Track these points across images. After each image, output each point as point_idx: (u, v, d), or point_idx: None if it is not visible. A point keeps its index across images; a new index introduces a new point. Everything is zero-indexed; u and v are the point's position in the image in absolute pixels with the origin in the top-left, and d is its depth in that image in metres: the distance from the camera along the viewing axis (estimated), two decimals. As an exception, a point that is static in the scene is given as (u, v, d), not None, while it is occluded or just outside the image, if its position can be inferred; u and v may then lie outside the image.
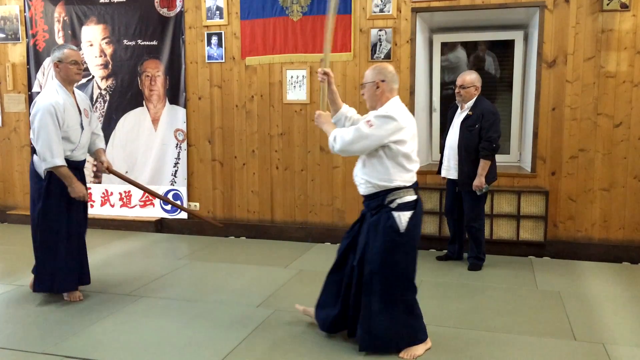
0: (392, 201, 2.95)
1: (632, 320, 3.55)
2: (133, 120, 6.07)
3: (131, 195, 6.17)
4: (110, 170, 4.09)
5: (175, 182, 6.00)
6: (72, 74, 3.73)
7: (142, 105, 6.04)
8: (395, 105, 2.98)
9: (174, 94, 5.91)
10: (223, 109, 5.78)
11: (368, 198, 3.06)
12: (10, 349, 3.13)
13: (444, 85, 5.70)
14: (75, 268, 3.87)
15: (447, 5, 5.02)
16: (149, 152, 6.03)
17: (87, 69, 6.11)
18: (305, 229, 5.65)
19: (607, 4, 4.70)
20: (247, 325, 3.46)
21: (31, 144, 3.79)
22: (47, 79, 6.30)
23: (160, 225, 6.07)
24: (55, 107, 3.60)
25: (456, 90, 4.55)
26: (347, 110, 3.29)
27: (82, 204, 3.91)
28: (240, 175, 5.82)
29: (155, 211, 6.09)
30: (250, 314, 3.64)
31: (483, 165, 4.41)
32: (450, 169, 4.62)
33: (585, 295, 4.02)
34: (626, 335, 3.33)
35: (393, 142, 2.89)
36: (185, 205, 5.97)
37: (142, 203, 6.14)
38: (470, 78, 4.48)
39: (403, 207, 2.94)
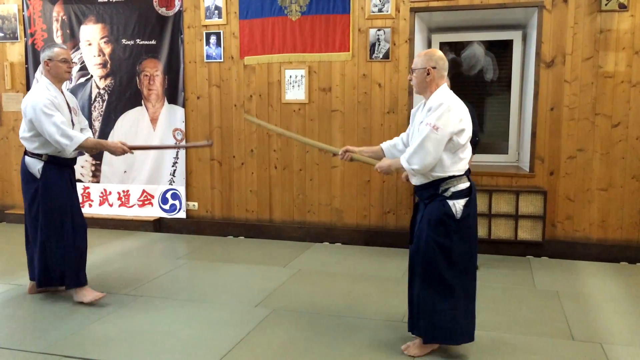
0: (446, 190, 2.91)
1: (630, 320, 3.56)
2: (132, 120, 6.07)
3: (129, 194, 6.17)
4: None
5: (173, 182, 6.00)
6: (62, 72, 3.77)
7: (141, 105, 6.04)
8: (448, 94, 2.93)
9: (172, 94, 5.91)
10: (222, 108, 5.77)
11: (421, 188, 3.02)
12: (8, 349, 3.13)
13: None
14: (84, 261, 3.89)
15: (446, 5, 5.02)
16: (147, 152, 6.02)
17: (85, 69, 6.11)
18: (303, 228, 5.65)
19: (606, 4, 4.70)
20: (246, 324, 3.46)
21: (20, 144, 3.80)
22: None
23: (158, 225, 6.07)
24: (51, 99, 3.65)
25: None
26: (386, 146, 3.30)
27: (76, 196, 3.95)
28: (238, 175, 5.82)
29: (154, 211, 6.09)
30: (249, 314, 3.65)
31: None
32: None
33: (583, 295, 4.03)
34: (624, 335, 3.34)
35: (455, 133, 2.86)
36: (183, 205, 5.97)
37: (141, 202, 6.13)
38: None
39: (457, 195, 2.91)
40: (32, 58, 6.32)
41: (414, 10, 5.12)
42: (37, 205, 3.77)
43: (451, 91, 3.00)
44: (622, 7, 4.69)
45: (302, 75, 5.49)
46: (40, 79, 3.83)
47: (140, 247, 5.41)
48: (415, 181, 3.04)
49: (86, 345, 3.17)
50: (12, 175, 6.61)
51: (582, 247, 4.95)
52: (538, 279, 4.38)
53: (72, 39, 6.14)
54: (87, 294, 3.81)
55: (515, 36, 5.44)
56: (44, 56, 3.76)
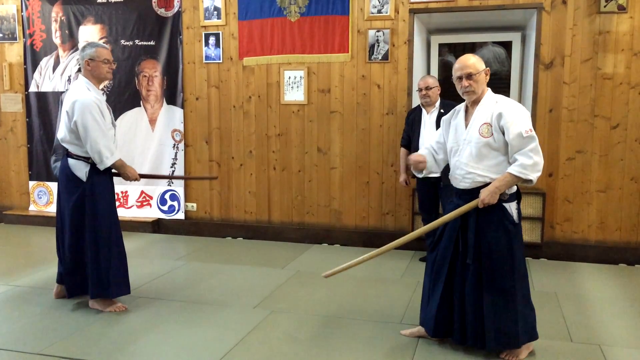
0: (503, 193, 2.90)
1: (629, 322, 3.55)
2: (130, 121, 6.06)
3: (128, 195, 6.16)
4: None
5: (172, 183, 5.99)
6: (104, 72, 3.66)
7: (140, 106, 6.03)
8: (502, 97, 3.00)
9: (171, 94, 5.91)
10: (220, 109, 5.77)
11: (472, 192, 2.96)
12: (6, 350, 3.12)
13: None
14: (126, 270, 3.78)
15: (445, 6, 5.02)
16: (146, 153, 6.02)
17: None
18: (302, 229, 5.64)
19: (605, 6, 4.71)
20: (244, 326, 3.45)
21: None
22: (44, 79, 6.29)
23: (157, 226, 6.06)
24: (98, 104, 3.55)
25: (422, 93, 4.58)
26: (430, 156, 3.24)
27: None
28: (237, 176, 5.81)
29: (153, 212, 6.08)
30: (247, 315, 3.64)
31: None
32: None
33: (582, 296, 4.02)
34: (623, 336, 3.33)
35: None
36: (182, 206, 5.97)
37: (139, 203, 6.13)
38: (432, 80, 4.62)
39: (511, 197, 2.94)
40: (31, 59, 6.31)
41: (413, 12, 5.13)
42: (84, 210, 3.60)
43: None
44: (621, 8, 4.69)
45: (301, 77, 5.48)
46: (80, 79, 3.67)
47: (138, 248, 5.40)
48: (468, 184, 2.98)
49: (84, 347, 3.16)
50: (10, 176, 6.60)
51: (580, 248, 4.95)
52: (537, 281, 4.37)
53: (71, 40, 6.13)
54: (108, 303, 3.70)
55: (514, 38, 5.43)
56: (84, 55, 3.62)
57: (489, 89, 3.04)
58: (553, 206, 4.99)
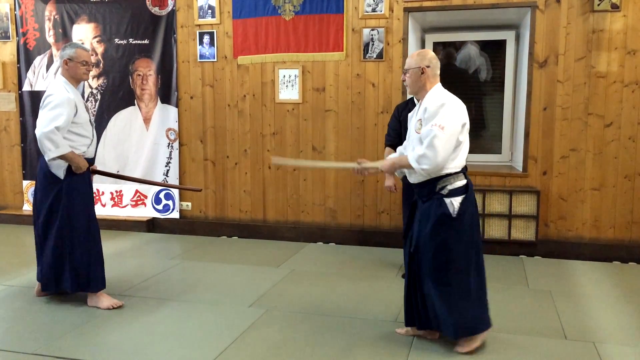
0: (443, 188, 2.96)
1: (623, 319, 3.57)
2: (124, 120, 6.04)
3: (122, 194, 6.14)
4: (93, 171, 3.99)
5: (167, 182, 5.98)
6: (80, 73, 3.72)
7: (134, 105, 6.02)
8: (444, 93, 3.00)
9: (165, 93, 5.89)
10: (215, 108, 5.76)
11: (419, 186, 3.07)
12: (0, 350, 3.11)
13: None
14: (103, 265, 3.85)
15: (439, 5, 5.03)
16: (140, 152, 6.00)
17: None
18: (297, 228, 5.64)
19: (598, 5, 4.72)
20: (239, 325, 3.45)
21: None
22: (38, 78, 6.26)
23: (151, 225, 6.04)
24: (73, 102, 3.58)
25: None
26: (394, 156, 3.34)
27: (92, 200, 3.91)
28: (232, 175, 5.80)
29: (147, 211, 6.07)
30: (242, 314, 3.64)
31: None
32: None
33: (576, 294, 4.04)
34: (616, 333, 3.35)
35: (459, 131, 2.92)
36: (177, 205, 5.96)
37: (134, 203, 6.11)
38: None
39: (454, 192, 2.97)
40: (24, 58, 6.28)
41: (407, 10, 5.13)
42: (59, 208, 3.65)
43: (445, 89, 3.04)
44: (615, 7, 4.71)
45: (295, 75, 5.48)
46: (57, 78, 3.74)
47: (133, 248, 5.39)
48: (413, 179, 3.07)
49: (79, 347, 3.15)
50: (4, 176, 6.57)
51: (574, 246, 4.97)
52: (531, 279, 4.39)
53: (65, 39, 6.11)
54: (105, 300, 3.75)
55: (508, 36, 5.45)
56: (64, 54, 3.68)
57: (437, 85, 3.04)
58: (547, 204, 5.01)
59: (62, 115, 3.53)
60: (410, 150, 3.07)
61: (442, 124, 2.85)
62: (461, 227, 2.97)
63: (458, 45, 5.72)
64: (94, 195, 6.02)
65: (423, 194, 3.05)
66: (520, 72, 5.27)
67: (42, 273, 3.80)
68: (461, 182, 2.98)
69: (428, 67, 3.00)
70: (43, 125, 3.52)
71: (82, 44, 5.98)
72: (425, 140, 2.89)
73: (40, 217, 3.73)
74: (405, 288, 3.20)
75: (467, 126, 2.99)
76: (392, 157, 3.35)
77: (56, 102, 3.54)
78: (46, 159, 3.61)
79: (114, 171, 6.09)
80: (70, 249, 3.69)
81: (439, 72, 3.06)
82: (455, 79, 5.67)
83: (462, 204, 2.95)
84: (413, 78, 3.04)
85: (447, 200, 2.95)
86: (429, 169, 2.90)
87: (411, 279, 3.14)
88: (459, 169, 2.98)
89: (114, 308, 3.72)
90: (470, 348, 3.05)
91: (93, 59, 6.06)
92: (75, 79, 3.74)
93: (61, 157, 3.57)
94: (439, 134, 2.84)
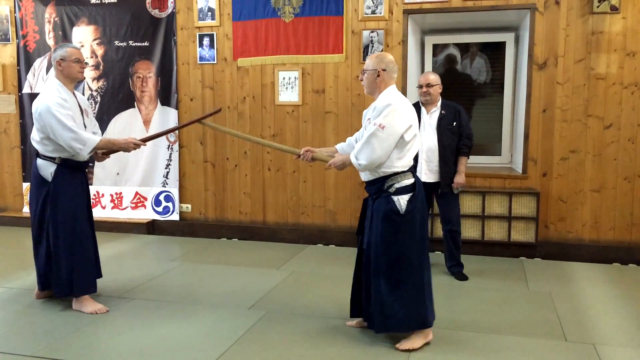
0: (390, 186, 3.08)
1: (623, 321, 3.57)
2: (124, 122, 6.05)
3: (122, 197, 6.14)
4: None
5: (167, 184, 5.98)
6: (74, 72, 3.68)
7: (134, 107, 6.02)
8: (395, 95, 3.10)
9: (165, 95, 5.90)
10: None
11: (368, 184, 3.19)
12: (0, 352, 3.12)
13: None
14: (94, 267, 3.84)
15: (439, 7, 5.04)
16: (140, 154, 5.99)
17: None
18: (297, 230, 5.64)
19: (598, 7, 4.73)
20: (239, 327, 3.45)
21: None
22: (38, 80, 6.26)
23: (151, 227, 6.04)
24: (61, 102, 3.55)
25: (423, 90, 4.31)
26: (341, 146, 3.47)
27: (88, 200, 3.88)
28: (232, 177, 5.81)
29: (147, 213, 6.07)
30: (242, 316, 3.64)
31: (464, 162, 4.37)
32: (430, 172, 4.37)
33: (576, 296, 4.04)
34: (616, 335, 3.35)
35: (403, 132, 3.01)
36: (176, 207, 5.96)
37: (134, 205, 6.11)
38: (434, 77, 4.33)
39: (402, 190, 3.08)
40: (24, 60, 6.29)
41: (407, 12, 5.14)
42: (47, 210, 3.65)
43: (399, 92, 3.15)
44: (614, 9, 4.71)
45: (295, 77, 5.49)
46: (50, 80, 3.71)
47: (133, 250, 5.39)
48: (364, 177, 3.20)
49: (78, 349, 3.15)
50: (4, 178, 6.57)
51: (574, 248, 4.97)
52: (531, 281, 4.39)
53: (65, 41, 6.11)
54: (89, 305, 3.71)
55: (507, 38, 5.46)
56: (55, 56, 3.65)
57: (391, 87, 3.14)
58: (547, 206, 5.01)
59: (66, 114, 3.52)
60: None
61: (383, 124, 2.98)
62: (411, 225, 3.07)
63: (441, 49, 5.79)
64: (93, 197, 6.04)
65: (372, 191, 3.17)
66: (519, 74, 5.28)
67: (38, 275, 3.82)
68: (408, 180, 3.09)
69: (384, 70, 3.12)
70: (60, 134, 3.50)
71: (82, 46, 6.02)
72: (364, 137, 3.04)
73: (34, 220, 3.76)
74: (354, 280, 3.34)
75: (414, 128, 3.08)
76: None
77: (53, 108, 3.50)
78: (83, 158, 3.68)
79: (113, 173, 6.12)
80: (55, 252, 3.67)
81: (395, 75, 3.18)
82: (455, 80, 5.69)
83: (409, 201, 3.07)
84: (370, 79, 3.16)
85: (394, 197, 3.06)
86: (365, 165, 3.03)
87: (358, 272, 3.30)
88: (406, 168, 3.10)
89: (97, 314, 3.67)
90: (413, 346, 3.09)
91: (93, 61, 6.07)
92: (71, 79, 3.70)
93: (98, 147, 3.63)
94: (378, 133, 2.97)
